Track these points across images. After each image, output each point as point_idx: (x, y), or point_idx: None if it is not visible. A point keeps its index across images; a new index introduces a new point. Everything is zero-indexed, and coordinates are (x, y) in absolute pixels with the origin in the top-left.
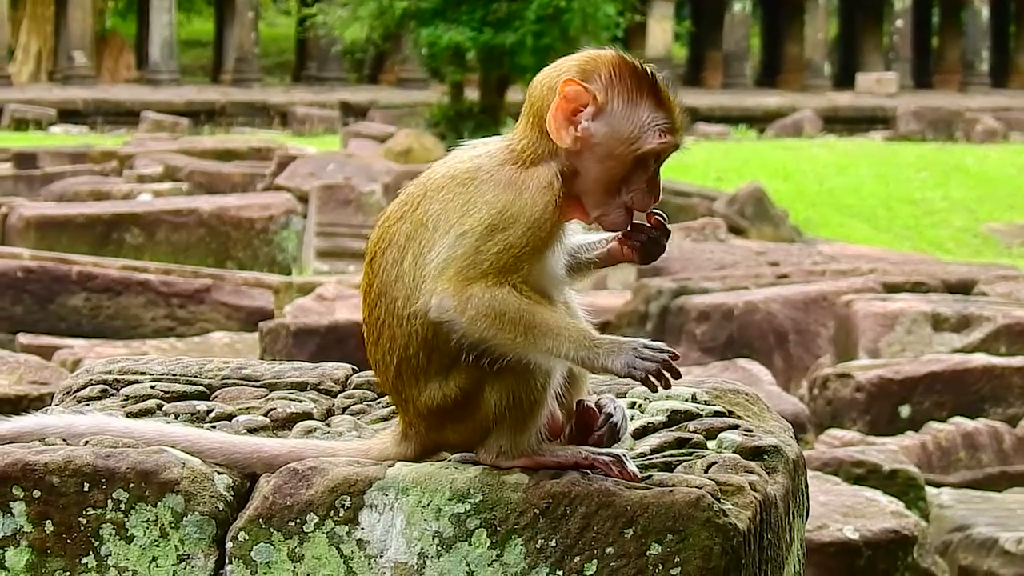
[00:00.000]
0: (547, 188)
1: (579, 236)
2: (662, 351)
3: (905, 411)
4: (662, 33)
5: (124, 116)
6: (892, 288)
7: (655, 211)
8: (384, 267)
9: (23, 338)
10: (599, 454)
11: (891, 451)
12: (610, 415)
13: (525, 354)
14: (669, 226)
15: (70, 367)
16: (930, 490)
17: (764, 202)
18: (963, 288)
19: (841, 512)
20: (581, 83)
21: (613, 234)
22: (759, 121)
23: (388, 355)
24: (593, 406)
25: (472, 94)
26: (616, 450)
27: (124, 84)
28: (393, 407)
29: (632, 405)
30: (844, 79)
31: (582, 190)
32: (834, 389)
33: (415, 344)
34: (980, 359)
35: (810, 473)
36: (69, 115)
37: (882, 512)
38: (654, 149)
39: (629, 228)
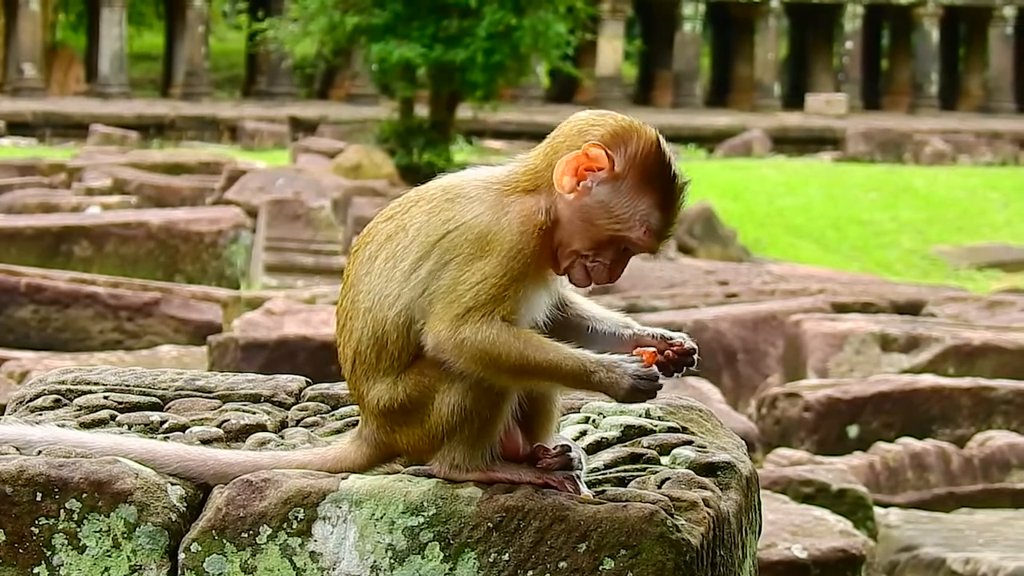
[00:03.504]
0: (528, 217)
1: (594, 307)
2: (655, 380)
3: (853, 431)
4: (612, 52)
5: (73, 129)
6: (841, 308)
7: (680, 341)
8: (360, 260)
9: None
10: (553, 472)
11: (839, 471)
12: (568, 448)
13: (527, 387)
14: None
15: (17, 379)
16: (878, 510)
17: (713, 221)
18: (912, 309)
19: (789, 531)
20: (607, 150)
21: (638, 333)
22: (709, 140)
23: (347, 347)
24: (549, 447)
25: (422, 110)
26: (570, 472)
27: (73, 97)
28: (347, 420)
29: (586, 420)
30: (794, 100)
31: (560, 238)
32: (783, 408)
33: (366, 340)
34: (928, 380)
35: None
36: (18, 127)
37: (830, 531)
38: (631, 239)
39: (662, 359)
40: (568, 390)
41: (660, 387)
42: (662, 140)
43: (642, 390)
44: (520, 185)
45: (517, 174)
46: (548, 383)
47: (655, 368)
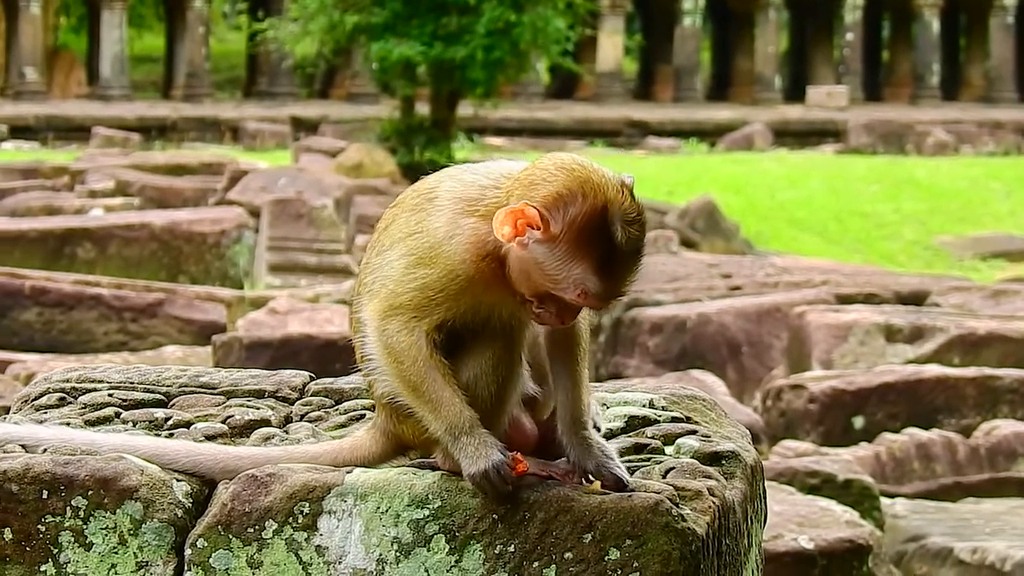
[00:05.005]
0: (475, 244)
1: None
2: (507, 483)
3: (859, 422)
4: (613, 47)
5: (75, 132)
6: (845, 299)
7: (611, 472)
8: (367, 248)
9: None
10: (556, 463)
11: (845, 461)
12: None
13: (407, 404)
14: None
15: (23, 381)
16: (884, 500)
17: (716, 215)
18: (916, 299)
19: (796, 521)
20: (544, 211)
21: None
22: (710, 134)
23: (355, 337)
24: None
25: (423, 108)
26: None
27: (75, 100)
28: (351, 415)
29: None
30: (795, 92)
31: (509, 275)
32: (787, 400)
33: None
34: (933, 370)
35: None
36: (20, 131)
37: (837, 521)
38: (566, 300)
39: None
40: (428, 432)
41: (506, 493)
42: (616, 203)
43: (483, 487)
44: (482, 209)
45: (486, 196)
46: (422, 412)
47: (514, 477)
